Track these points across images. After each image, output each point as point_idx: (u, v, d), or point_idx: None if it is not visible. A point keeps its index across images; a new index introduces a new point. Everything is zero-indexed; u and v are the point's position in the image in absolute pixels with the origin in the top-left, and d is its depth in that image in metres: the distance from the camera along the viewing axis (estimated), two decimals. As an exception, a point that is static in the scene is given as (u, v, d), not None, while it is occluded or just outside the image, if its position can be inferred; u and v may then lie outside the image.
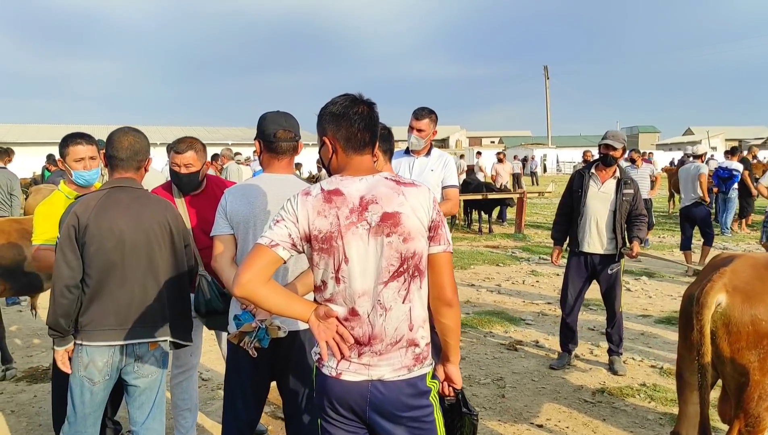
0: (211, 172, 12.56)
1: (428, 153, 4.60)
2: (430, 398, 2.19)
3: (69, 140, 3.53)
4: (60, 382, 3.31)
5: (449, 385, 2.35)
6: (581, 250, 5.30)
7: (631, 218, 5.20)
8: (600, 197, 5.23)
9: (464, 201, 14.66)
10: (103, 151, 3.03)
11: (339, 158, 2.18)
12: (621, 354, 5.38)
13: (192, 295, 3.23)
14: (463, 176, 17.73)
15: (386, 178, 2.15)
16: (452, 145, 71.46)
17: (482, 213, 14.63)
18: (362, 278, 2.08)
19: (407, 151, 4.65)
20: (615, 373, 5.20)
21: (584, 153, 16.13)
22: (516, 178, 27.84)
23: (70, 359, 2.87)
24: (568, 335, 5.45)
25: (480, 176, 17.86)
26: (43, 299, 5.22)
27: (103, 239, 2.77)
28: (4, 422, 4.30)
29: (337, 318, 2.10)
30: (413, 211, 2.09)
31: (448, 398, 2.39)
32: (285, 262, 2.09)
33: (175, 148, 3.55)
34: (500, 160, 18.24)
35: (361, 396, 2.12)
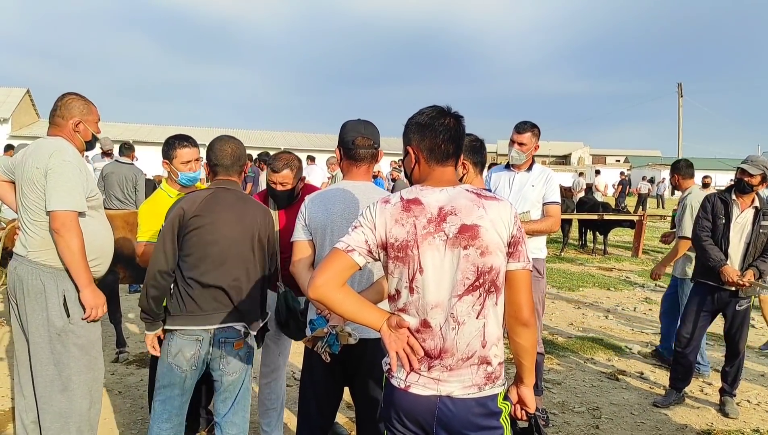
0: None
1: (529, 168, 4.48)
2: (501, 420, 2.12)
3: (176, 143, 3.72)
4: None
5: (522, 408, 2.25)
6: (709, 282, 4.83)
7: (763, 250, 4.76)
8: (735, 227, 4.78)
9: (579, 221, 14.19)
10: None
11: (421, 168, 2.17)
12: (735, 395, 4.96)
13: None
14: (581, 194, 17.18)
15: (467, 190, 2.11)
16: (574, 162, 69.26)
17: (597, 234, 14.06)
18: (436, 289, 2.05)
19: (508, 166, 4.55)
20: (726, 415, 4.80)
21: (704, 178, 14.98)
22: (642, 200, 26.66)
23: (160, 344, 3.05)
24: (680, 372, 5.01)
25: (598, 196, 17.21)
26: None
27: (204, 232, 2.93)
28: (110, 401, 4.60)
29: (408, 329, 2.08)
30: (492, 225, 2.03)
31: (521, 421, 2.29)
32: (360, 268, 2.10)
33: (271, 166, 3.66)
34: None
35: (428, 411, 2.08)
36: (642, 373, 5.72)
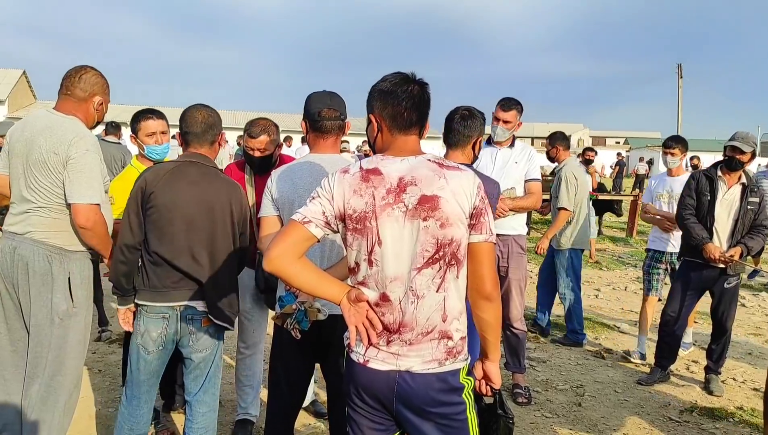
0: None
1: (512, 144, 4.44)
2: (463, 396, 2.07)
3: (140, 116, 3.68)
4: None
5: (487, 384, 2.20)
6: (696, 260, 4.73)
7: (750, 226, 4.69)
8: (723, 204, 4.69)
9: (574, 200, 14.09)
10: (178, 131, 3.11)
11: (384, 137, 2.10)
12: (720, 373, 4.93)
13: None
14: (577, 175, 17.09)
15: (429, 159, 2.04)
16: (574, 144, 68.96)
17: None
18: (395, 262, 1.99)
19: (489, 142, 4.48)
20: (710, 392, 4.78)
21: (691, 158, 14.75)
22: (640, 181, 26.56)
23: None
24: (665, 350, 4.98)
25: (595, 177, 17.10)
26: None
27: (164, 209, 2.86)
28: (90, 379, 4.57)
29: (368, 302, 2.03)
30: (453, 196, 1.97)
31: (486, 397, 2.24)
32: (319, 240, 2.03)
33: (249, 131, 3.57)
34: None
35: (387, 386, 2.03)
36: (628, 352, 5.69)
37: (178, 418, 3.98)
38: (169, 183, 2.87)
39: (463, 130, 3.31)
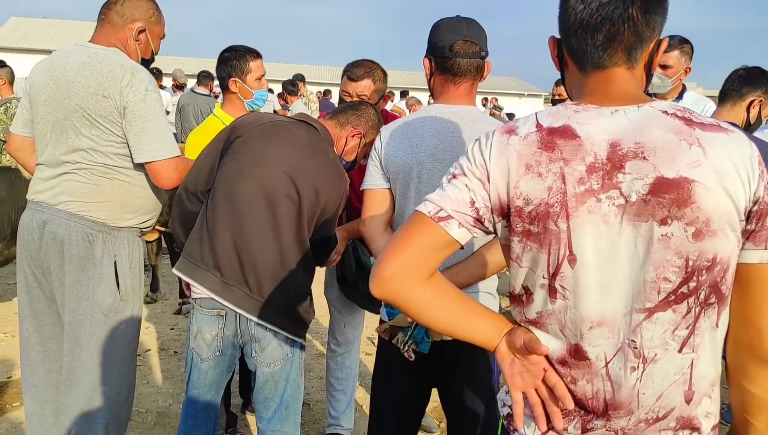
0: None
1: (680, 96, 3.41)
2: None
3: (248, 55, 2.94)
4: None
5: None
6: None
7: None
8: None
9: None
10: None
11: (570, 73, 1.22)
12: None
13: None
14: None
15: (666, 111, 1.14)
16: (686, 102, 64.77)
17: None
18: (601, 295, 1.12)
19: (649, 95, 3.47)
20: None
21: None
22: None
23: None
24: None
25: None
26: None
27: (243, 161, 2.20)
28: (165, 362, 4.01)
29: (547, 358, 1.18)
30: (719, 180, 1.07)
31: None
32: (462, 247, 1.20)
33: (349, 73, 2.82)
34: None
35: None
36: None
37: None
38: (266, 133, 2.23)
39: (736, 81, 2.65)
